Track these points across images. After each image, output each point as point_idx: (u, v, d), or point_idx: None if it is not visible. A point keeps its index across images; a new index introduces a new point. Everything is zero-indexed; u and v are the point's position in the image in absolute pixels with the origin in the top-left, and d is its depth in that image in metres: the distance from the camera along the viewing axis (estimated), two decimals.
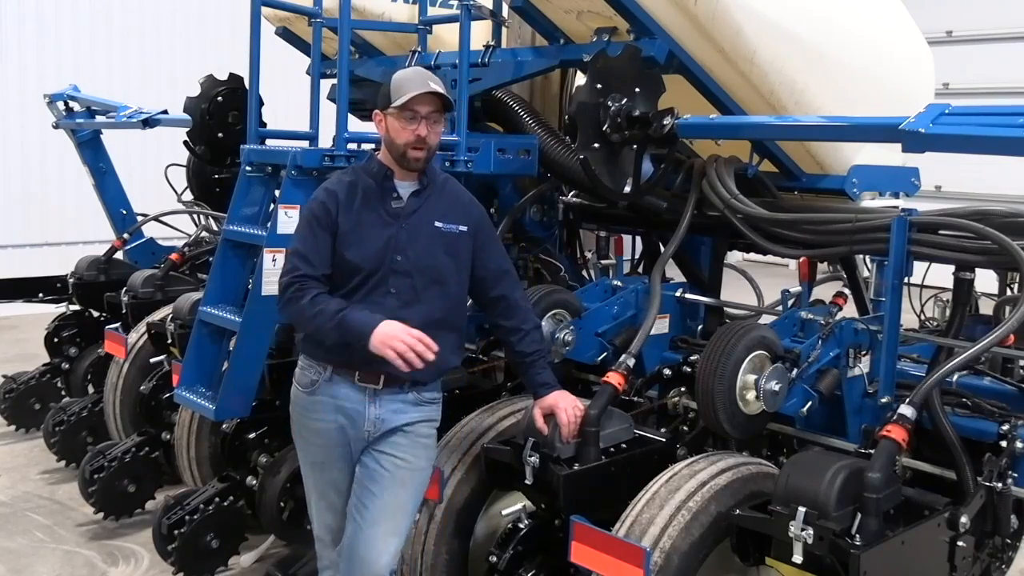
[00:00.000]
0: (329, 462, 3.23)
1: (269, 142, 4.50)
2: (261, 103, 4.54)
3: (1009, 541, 3.37)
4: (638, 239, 5.03)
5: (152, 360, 5.22)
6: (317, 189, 3.32)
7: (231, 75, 5.81)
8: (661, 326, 4.04)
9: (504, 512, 3.52)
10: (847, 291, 4.17)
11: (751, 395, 3.30)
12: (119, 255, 6.45)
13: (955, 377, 3.51)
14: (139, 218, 6.73)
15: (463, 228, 3.23)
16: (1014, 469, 3.17)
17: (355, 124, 4.27)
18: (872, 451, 2.88)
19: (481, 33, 4.31)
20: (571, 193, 4.77)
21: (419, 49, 4.61)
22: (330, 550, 3.35)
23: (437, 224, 3.19)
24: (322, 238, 3.13)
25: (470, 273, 3.27)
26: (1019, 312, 2.96)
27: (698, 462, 3.26)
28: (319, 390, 3.19)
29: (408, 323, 3.09)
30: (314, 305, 3.03)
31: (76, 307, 6.38)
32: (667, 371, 3.87)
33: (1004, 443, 3.22)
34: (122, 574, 4.75)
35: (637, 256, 5.10)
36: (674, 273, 4.42)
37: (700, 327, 4.35)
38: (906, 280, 3.37)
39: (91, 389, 6.13)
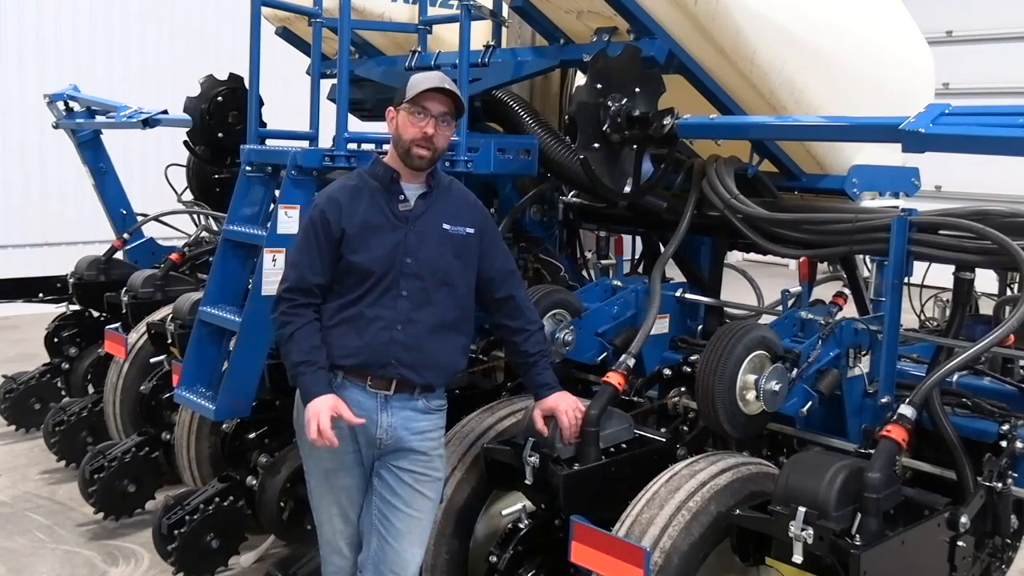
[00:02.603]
0: (342, 468, 3.22)
1: (269, 142, 4.50)
2: (261, 103, 4.54)
3: (1009, 541, 3.36)
4: (638, 239, 5.03)
5: (152, 360, 5.22)
6: (318, 195, 3.32)
7: (231, 75, 5.81)
8: (661, 326, 4.04)
9: (504, 512, 3.51)
10: (847, 291, 4.17)
11: (751, 395, 3.30)
12: (119, 255, 6.45)
13: (955, 377, 3.51)
14: (139, 218, 6.73)
15: (470, 230, 3.24)
16: (1014, 469, 3.17)
17: (355, 124, 4.27)
18: (872, 451, 2.88)
19: (481, 33, 4.31)
20: (571, 193, 4.77)
21: (419, 49, 4.61)
22: (339, 556, 3.33)
23: (445, 226, 3.20)
24: (320, 247, 3.14)
25: (477, 275, 3.28)
26: (1019, 312, 2.96)
27: (698, 462, 3.26)
28: None
29: (421, 325, 3.13)
30: (290, 341, 3.12)
31: (76, 307, 6.38)
32: (667, 371, 3.87)
33: (1004, 443, 3.22)
34: (122, 574, 4.75)
35: (637, 256, 5.10)
36: (674, 273, 4.42)
37: (700, 327, 4.35)
38: (906, 280, 3.37)
39: (91, 389, 6.12)
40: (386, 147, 3.32)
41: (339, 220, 3.14)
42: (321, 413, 3.01)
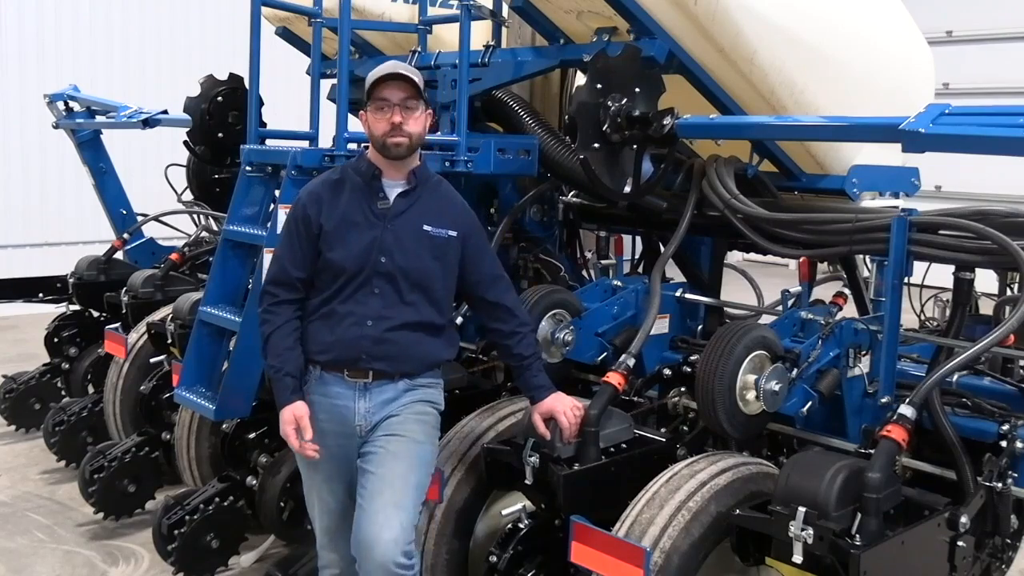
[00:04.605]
0: (322, 461, 3.20)
1: (269, 142, 4.49)
2: (261, 103, 4.53)
3: (1009, 541, 3.36)
4: (638, 239, 5.03)
5: (152, 360, 5.22)
6: (302, 189, 3.32)
7: (231, 75, 5.81)
8: (661, 326, 4.04)
9: (504, 512, 3.51)
10: (847, 291, 4.17)
11: (751, 395, 3.30)
12: (119, 255, 6.45)
13: (955, 377, 3.51)
14: (139, 218, 6.73)
15: (452, 233, 3.21)
16: (1014, 469, 3.17)
17: (355, 124, 4.26)
18: (872, 451, 2.88)
19: (481, 33, 4.31)
20: (571, 193, 4.77)
21: (419, 49, 4.61)
22: (327, 551, 3.34)
23: (425, 227, 3.18)
24: (300, 241, 3.17)
25: (463, 279, 3.26)
26: (1019, 312, 2.96)
27: (698, 462, 3.26)
28: (311, 389, 3.20)
29: (393, 322, 3.12)
30: (267, 342, 3.18)
31: (76, 307, 6.37)
32: (667, 371, 3.87)
33: (1004, 443, 3.22)
34: (122, 574, 4.75)
35: (637, 256, 5.10)
36: (674, 273, 4.42)
37: (700, 327, 4.35)
38: (906, 280, 3.37)
39: (91, 389, 6.13)
40: None
41: (319, 215, 3.16)
42: (289, 436, 3.11)
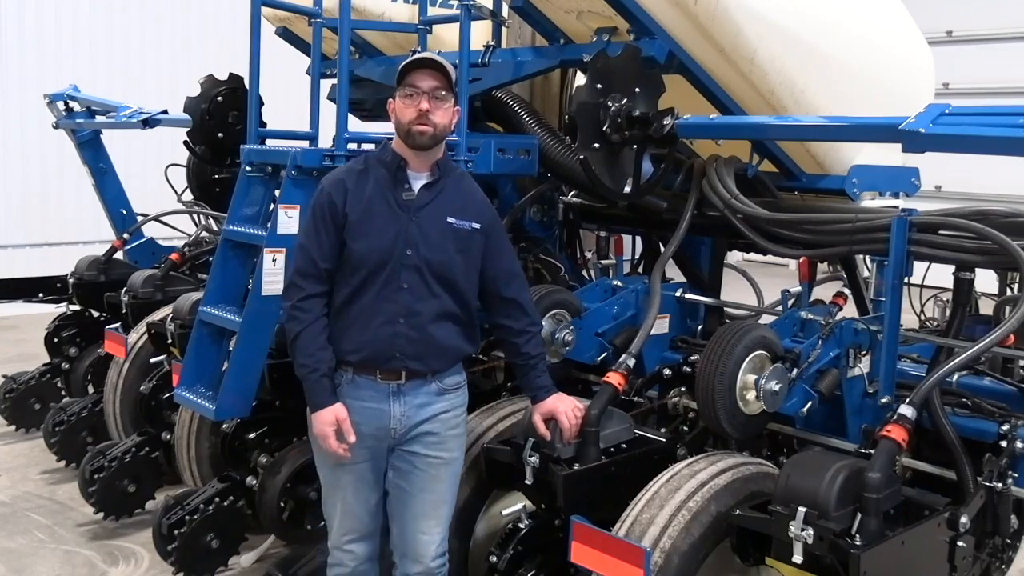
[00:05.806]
0: (350, 463, 3.20)
1: (269, 142, 4.50)
2: (261, 103, 4.54)
3: (1009, 541, 3.37)
4: (638, 239, 5.03)
5: (152, 360, 5.21)
6: (325, 178, 3.28)
7: (231, 75, 5.81)
8: (661, 326, 4.04)
9: (504, 512, 3.51)
10: (847, 291, 4.18)
11: (751, 395, 3.31)
12: (119, 255, 6.45)
13: (955, 377, 3.51)
14: (139, 218, 6.73)
15: (476, 225, 3.20)
16: (1014, 469, 3.18)
17: (355, 124, 4.27)
18: (872, 451, 2.88)
19: (481, 33, 4.32)
20: (571, 193, 4.77)
21: (419, 49, 4.60)
22: (341, 551, 3.33)
23: (449, 220, 3.16)
24: (327, 231, 3.13)
25: (481, 273, 3.25)
26: (1019, 312, 2.96)
27: (698, 462, 3.26)
28: (342, 393, 3.17)
29: (424, 316, 3.12)
30: (296, 340, 3.14)
31: (76, 307, 6.38)
32: (667, 371, 3.87)
33: (1004, 443, 3.22)
34: (122, 574, 4.75)
35: (637, 256, 5.10)
36: (674, 273, 4.42)
37: (700, 327, 4.36)
38: (906, 280, 3.37)
39: (91, 389, 6.12)
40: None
41: (344, 204, 3.12)
42: (328, 438, 3.09)
